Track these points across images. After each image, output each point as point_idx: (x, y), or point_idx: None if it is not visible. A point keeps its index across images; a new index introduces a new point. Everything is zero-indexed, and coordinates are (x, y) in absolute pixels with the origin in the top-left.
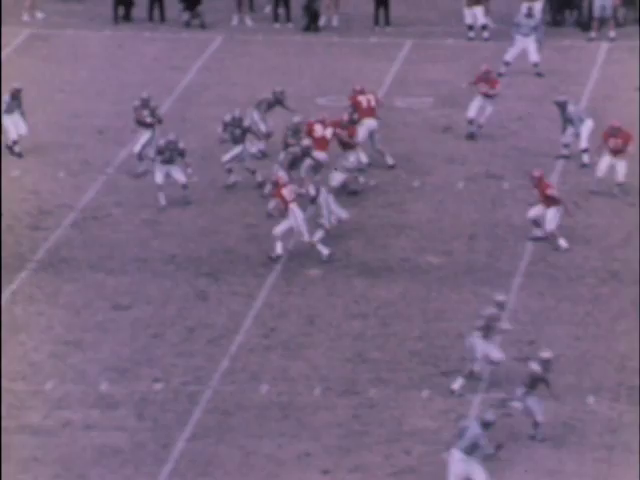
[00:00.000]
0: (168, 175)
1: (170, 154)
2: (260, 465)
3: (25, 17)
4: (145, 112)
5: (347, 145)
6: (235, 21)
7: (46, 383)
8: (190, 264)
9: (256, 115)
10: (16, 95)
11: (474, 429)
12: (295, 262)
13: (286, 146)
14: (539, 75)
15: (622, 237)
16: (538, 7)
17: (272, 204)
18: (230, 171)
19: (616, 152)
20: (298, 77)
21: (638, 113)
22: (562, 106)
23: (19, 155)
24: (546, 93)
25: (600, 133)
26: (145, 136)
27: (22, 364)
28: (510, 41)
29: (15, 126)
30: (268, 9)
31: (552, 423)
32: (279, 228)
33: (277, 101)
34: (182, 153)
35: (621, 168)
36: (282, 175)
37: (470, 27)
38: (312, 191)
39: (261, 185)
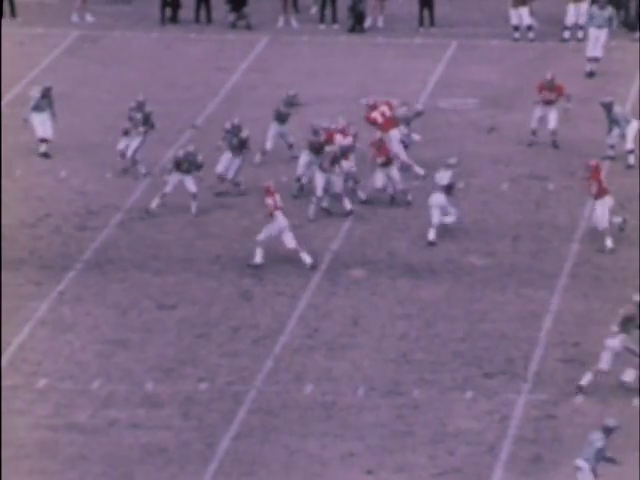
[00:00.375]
0: (180, 185)
1: (188, 166)
2: (304, 465)
3: (74, 18)
4: (138, 115)
5: (385, 163)
6: (281, 22)
7: (93, 382)
8: (235, 264)
9: (272, 130)
10: (46, 94)
11: (596, 437)
12: (339, 263)
13: (278, 115)
14: (591, 75)
15: None
16: (584, 8)
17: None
18: (238, 185)
19: None
20: (343, 78)
21: None
22: (608, 107)
23: (45, 155)
24: (592, 94)
25: None
26: (136, 140)
27: (69, 363)
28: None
29: (42, 126)
30: (314, 10)
31: (597, 424)
32: (263, 234)
33: (292, 104)
34: (200, 166)
35: None
36: (271, 183)
37: (515, 28)
38: (348, 206)
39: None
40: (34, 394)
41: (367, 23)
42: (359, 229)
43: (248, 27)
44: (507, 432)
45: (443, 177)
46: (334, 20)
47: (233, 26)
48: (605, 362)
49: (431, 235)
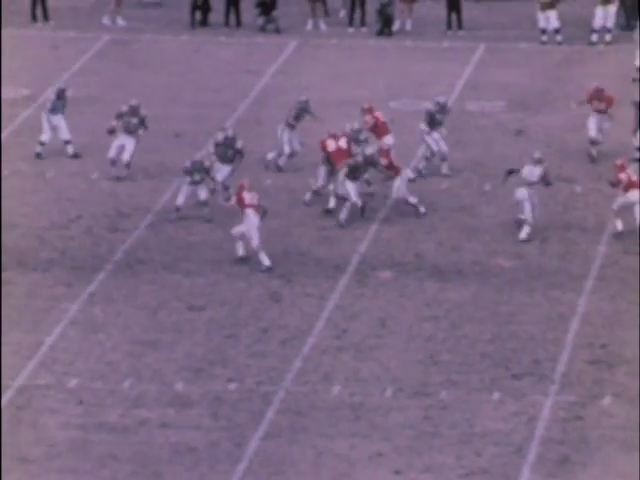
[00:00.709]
0: (192, 195)
1: (200, 176)
2: (332, 465)
3: (105, 20)
4: (134, 120)
5: (392, 172)
6: (309, 26)
7: (123, 382)
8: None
9: (286, 135)
10: (61, 95)
11: None
12: (367, 265)
13: (288, 124)
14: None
15: None
16: (612, 11)
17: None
18: (227, 188)
19: None
20: (371, 81)
21: None
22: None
23: (76, 156)
24: (619, 97)
25: None
26: (131, 144)
27: (100, 363)
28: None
29: (57, 129)
30: (342, 14)
31: (624, 426)
32: (237, 229)
33: (303, 110)
34: (207, 171)
35: None
36: (248, 181)
37: (543, 31)
38: (359, 202)
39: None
40: (65, 394)
41: (395, 26)
42: (387, 231)
43: (277, 30)
44: (534, 433)
45: (533, 173)
46: (362, 23)
47: (262, 29)
48: None
49: (523, 234)
